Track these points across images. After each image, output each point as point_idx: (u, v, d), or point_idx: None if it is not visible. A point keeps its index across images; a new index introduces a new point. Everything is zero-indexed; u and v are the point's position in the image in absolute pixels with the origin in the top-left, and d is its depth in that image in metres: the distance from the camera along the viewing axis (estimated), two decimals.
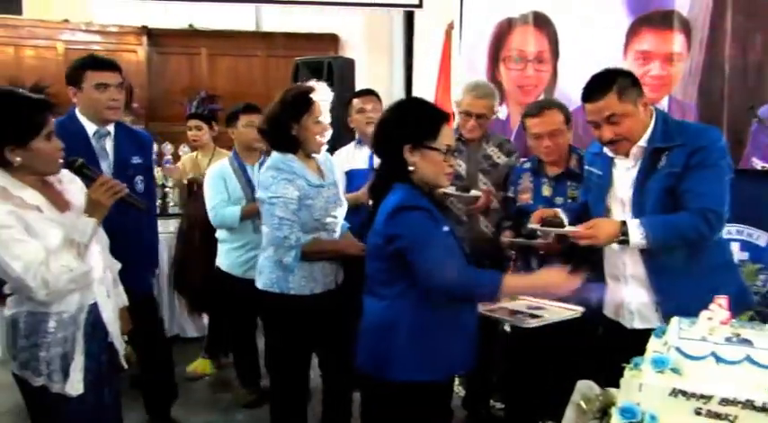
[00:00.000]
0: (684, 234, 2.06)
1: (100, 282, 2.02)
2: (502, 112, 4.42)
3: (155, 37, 7.15)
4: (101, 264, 2.04)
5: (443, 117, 1.97)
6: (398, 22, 6.82)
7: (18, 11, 7.54)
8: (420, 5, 5.49)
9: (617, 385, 1.45)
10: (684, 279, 2.07)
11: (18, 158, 1.81)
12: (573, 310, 2.08)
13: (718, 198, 2.06)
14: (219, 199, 3.20)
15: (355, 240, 2.52)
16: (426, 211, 1.84)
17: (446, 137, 1.90)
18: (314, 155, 2.45)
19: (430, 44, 5.67)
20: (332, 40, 7.24)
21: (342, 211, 2.55)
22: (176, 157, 4.67)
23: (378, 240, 1.88)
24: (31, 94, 1.88)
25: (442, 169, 1.90)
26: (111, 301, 2.06)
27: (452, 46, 4.29)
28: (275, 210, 2.29)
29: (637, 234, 2.04)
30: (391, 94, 7.12)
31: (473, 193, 2.78)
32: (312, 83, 2.45)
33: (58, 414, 1.94)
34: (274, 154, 2.42)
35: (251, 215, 3.12)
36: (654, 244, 2.05)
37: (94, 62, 2.60)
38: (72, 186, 2.02)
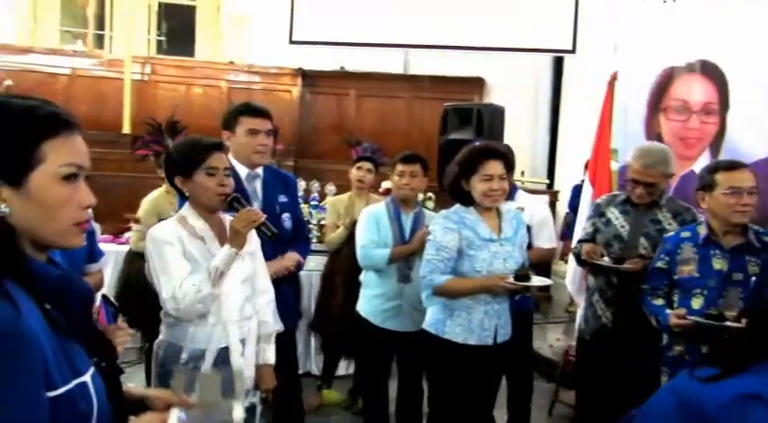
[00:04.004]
0: None
1: (237, 326, 2.06)
2: None
3: (308, 78, 7.58)
4: (238, 307, 2.07)
5: None
6: (546, 66, 6.72)
7: (191, 53, 8.36)
8: (573, 51, 5.34)
9: None
10: None
11: (185, 189, 2.04)
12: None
13: None
14: (370, 239, 3.21)
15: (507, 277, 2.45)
16: None
17: None
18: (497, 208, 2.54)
19: (580, 90, 5.49)
20: (477, 83, 7.26)
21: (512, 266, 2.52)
22: (322, 196, 4.82)
23: None
24: (200, 137, 2.12)
25: None
26: (243, 349, 2.08)
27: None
28: (428, 251, 2.46)
29: None
30: (535, 140, 7.00)
31: (626, 265, 2.67)
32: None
33: None
34: (456, 205, 2.57)
35: (401, 257, 3.11)
36: None
37: (249, 109, 2.72)
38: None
